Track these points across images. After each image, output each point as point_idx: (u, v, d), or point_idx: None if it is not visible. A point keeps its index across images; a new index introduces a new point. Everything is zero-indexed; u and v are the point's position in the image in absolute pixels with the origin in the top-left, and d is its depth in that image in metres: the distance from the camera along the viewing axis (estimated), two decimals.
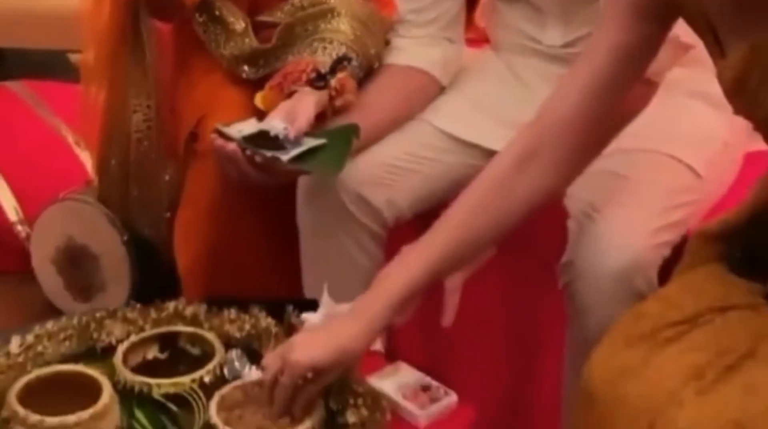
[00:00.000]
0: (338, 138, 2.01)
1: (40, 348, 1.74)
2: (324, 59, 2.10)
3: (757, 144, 2.19)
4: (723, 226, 1.69)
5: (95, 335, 1.79)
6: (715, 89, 1.59)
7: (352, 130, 2.02)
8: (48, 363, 1.70)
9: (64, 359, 1.73)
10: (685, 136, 2.02)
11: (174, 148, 2.29)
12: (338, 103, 2.07)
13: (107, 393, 1.56)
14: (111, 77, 2.31)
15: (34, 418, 1.51)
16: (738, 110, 1.59)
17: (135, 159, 2.34)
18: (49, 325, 1.78)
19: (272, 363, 1.61)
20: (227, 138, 2.01)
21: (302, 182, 2.10)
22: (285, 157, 1.96)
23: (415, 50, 2.17)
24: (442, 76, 2.19)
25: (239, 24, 2.23)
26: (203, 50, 2.27)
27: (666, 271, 1.85)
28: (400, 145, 2.12)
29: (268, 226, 2.24)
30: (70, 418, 1.51)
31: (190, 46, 2.30)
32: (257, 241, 2.23)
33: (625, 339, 1.59)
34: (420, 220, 2.12)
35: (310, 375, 1.57)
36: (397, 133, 2.13)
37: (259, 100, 2.10)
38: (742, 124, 2.11)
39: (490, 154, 2.04)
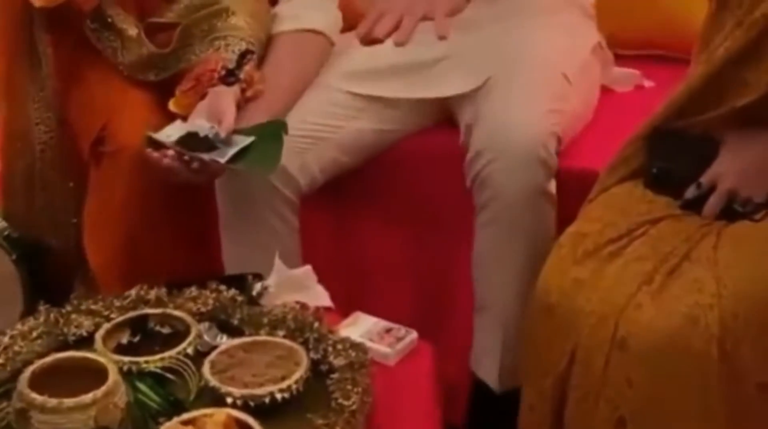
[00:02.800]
0: (267, 135, 2.09)
1: (16, 348, 1.79)
2: (229, 56, 2.20)
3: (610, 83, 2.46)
4: (633, 149, 1.89)
5: (65, 330, 1.84)
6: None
7: (281, 125, 2.11)
8: (28, 362, 1.74)
9: (41, 356, 1.77)
10: (561, 49, 2.27)
11: (76, 156, 2.33)
12: (250, 94, 2.19)
13: (113, 371, 1.63)
14: (10, 91, 2.34)
15: (52, 402, 1.57)
16: None
17: (39, 169, 2.38)
18: (19, 325, 1.83)
19: None
20: (159, 145, 2.08)
21: None
22: (222, 158, 2.04)
23: (303, 14, 2.32)
24: (332, 34, 2.34)
25: (132, 30, 2.28)
26: (95, 57, 2.31)
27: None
28: (308, 113, 2.25)
29: (182, 214, 2.31)
30: (87, 397, 1.57)
31: (80, 55, 2.34)
32: (172, 231, 2.30)
33: (571, 257, 1.77)
34: (331, 189, 2.27)
35: None
36: (303, 100, 2.27)
37: (173, 104, 2.18)
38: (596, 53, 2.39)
39: (395, 105, 2.24)
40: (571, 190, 2.08)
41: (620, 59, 2.51)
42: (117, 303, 1.89)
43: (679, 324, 1.64)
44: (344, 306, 2.01)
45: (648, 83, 2.49)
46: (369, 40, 2.21)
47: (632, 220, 1.79)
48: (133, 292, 1.90)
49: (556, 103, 2.15)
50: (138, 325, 1.85)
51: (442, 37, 1.95)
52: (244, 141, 2.08)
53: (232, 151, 2.05)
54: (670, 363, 1.64)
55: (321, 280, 2.22)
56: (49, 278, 2.51)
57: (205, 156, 2.05)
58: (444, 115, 2.27)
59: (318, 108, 2.27)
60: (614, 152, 1.96)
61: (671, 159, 1.85)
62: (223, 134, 2.06)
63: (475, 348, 2.21)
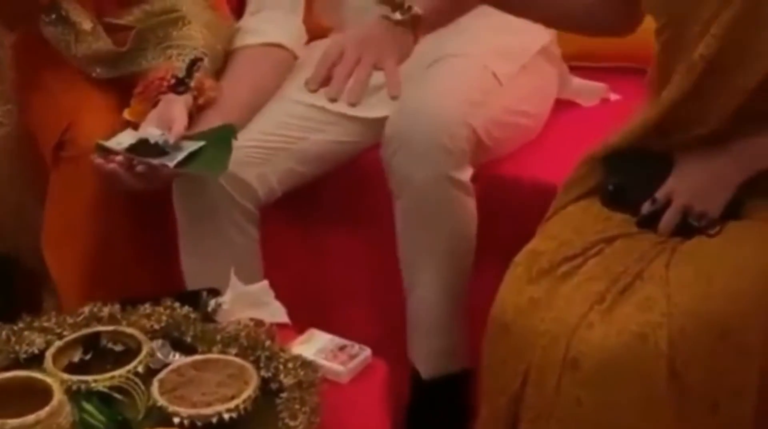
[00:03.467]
0: (217, 139, 2.12)
1: None
2: (179, 65, 2.21)
3: (573, 96, 2.45)
4: (589, 167, 1.88)
5: (17, 347, 1.83)
6: None
7: (230, 130, 2.13)
8: None
9: None
10: (501, 48, 2.27)
11: (39, 159, 2.32)
12: (201, 101, 2.20)
13: (58, 390, 1.62)
14: None
15: None
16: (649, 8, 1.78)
17: None
18: None
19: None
20: (109, 152, 2.08)
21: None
22: (171, 162, 2.06)
23: (267, 28, 2.32)
24: (295, 48, 2.34)
25: (87, 24, 2.27)
26: (55, 59, 2.31)
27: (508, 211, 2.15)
28: (265, 124, 2.26)
29: (146, 226, 2.31)
30: (30, 418, 1.56)
31: (40, 57, 2.34)
32: (136, 242, 2.29)
33: (527, 276, 1.76)
34: (290, 200, 2.26)
35: None
36: (262, 112, 2.28)
37: (128, 113, 2.19)
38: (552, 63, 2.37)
39: (354, 121, 2.24)
40: (532, 205, 2.07)
41: (586, 72, 2.50)
42: (70, 320, 1.88)
43: (628, 342, 1.63)
44: (304, 321, 2.00)
45: (614, 96, 2.48)
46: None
47: (587, 239, 1.78)
48: (86, 309, 1.89)
49: (476, 96, 2.17)
50: (90, 342, 1.84)
51: (394, 97, 1.90)
52: (193, 146, 2.10)
53: (180, 155, 2.08)
54: (619, 382, 1.63)
55: (281, 295, 2.23)
56: (22, 288, 2.50)
57: (154, 160, 2.06)
58: None
59: (276, 119, 2.27)
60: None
61: (627, 176, 1.84)
62: (172, 140, 2.09)
63: (407, 333, 2.24)
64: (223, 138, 2.12)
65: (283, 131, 2.26)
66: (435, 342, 2.18)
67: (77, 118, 2.23)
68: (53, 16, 2.29)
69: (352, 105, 1.88)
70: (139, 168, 2.07)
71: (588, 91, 2.46)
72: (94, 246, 2.24)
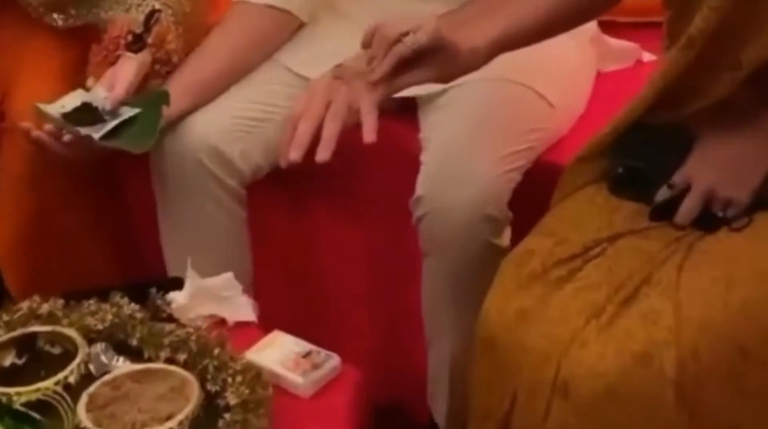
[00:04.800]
0: (149, 107, 1.89)
1: None
2: (138, 17, 1.97)
3: (609, 64, 2.16)
4: (597, 145, 1.62)
5: None
6: None
7: (161, 96, 1.90)
8: None
9: None
10: (538, 63, 1.92)
11: None
12: (160, 55, 1.96)
13: None
14: None
15: None
16: None
17: None
18: None
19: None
20: (44, 117, 1.88)
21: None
22: (97, 134, 1.85)
23: None
24: (301, 12, 2.04)
25: None
26: (6, 11, 2.11)
27: (519, 198, 1.82)
28: (252, 92, 1.99)
29: (99, 204, 2.12)
30: None
31: None
32: (86, 222, 2.10)
33: (516, 280, 1.51)
34: (280, 174, 1.99)
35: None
36: (249, 78, 2.01)
37: (91, 80, 1.96)
38: (590, 46, 2.07)
39: None
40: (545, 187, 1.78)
41: (616, 29, 2.21)
42: (5, 317, 1.67)
43: (627, 365, 1.38)
44: (286, 319, 1.77)
45: (648, 57, 2.18)
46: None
47: (588, 237, 1.52)
48: (24, 304, 1.68)
49: (524, 139, 1.86)
50: (25, 344, 1.63)
51: (367, 142, 1.61)
52: (127, 113, 1.89)
53: (108, 126, 1.87)
54: (617, 413, 1.38)
55: (265, 284, 2.01)
56: None
57: (82, 130, 1.86)
58: (406, 103, 1.97)
59: (262, 86, 2.00)
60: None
61: (640, 156, 1.57)
62: (109, 106, 1.88)
63: (429, 383, 1.99)
64: (154, 105, 1.89)
65: (270, 100, 1.99)
66: (457, 400, 1.87)
67: (13, 86, 2.04)
68: None
69: (320, 161, 1.62)
70: (66, 137, 1.87)
71: (620, 52, 2.17)
72: (36, 224, 2.05)
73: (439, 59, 1.58)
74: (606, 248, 1.51)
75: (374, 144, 1.74)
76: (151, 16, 1.95)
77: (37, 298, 1.69)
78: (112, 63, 1.93)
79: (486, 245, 1.79)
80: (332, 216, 2.11)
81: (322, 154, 1.61)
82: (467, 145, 1.81)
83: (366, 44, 1.61)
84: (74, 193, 2.06)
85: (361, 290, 2.11)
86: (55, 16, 2.09)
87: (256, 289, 2.02)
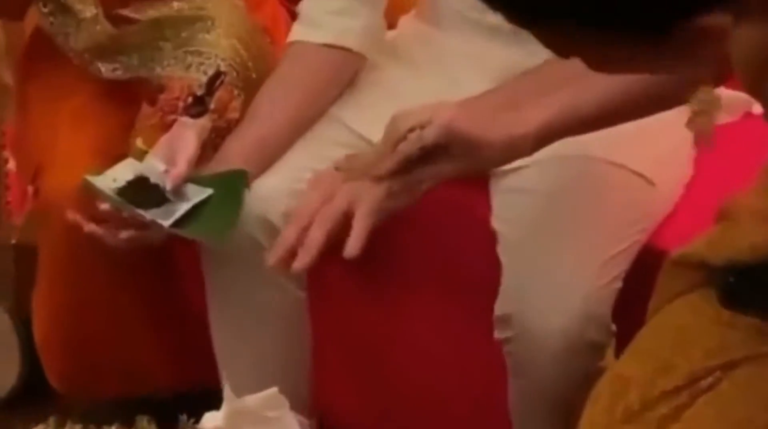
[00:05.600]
0: (224, 188, 1.69)
1: None
2: (199, 77, 1.80)
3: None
4: (698, 254, 1.33)
5: None
6: None
7: (239, 178, 1.69)
8: None
9: None
10: (627, 134, 1.64)
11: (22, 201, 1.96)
12: (219, 124, 1.76)
13: None
14: None
15: None
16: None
17: None
18: None
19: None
20: (93, 192, 1.67)
21: None
22: (167, 221, 1.66)
23: (332, 22, 1.79)
24: (361, 47, 1.82)
25: (89, 10, 1.87)
26: (50, 66, 1.94)
27: (621, 305, 1.55)
28: (309, 156, 1.77)
29: (146, 288, 1.93)
30: None
31: (37, 62, 1.98)
32: (132, 309, 1.92)
33: (608, 417, 1.25)
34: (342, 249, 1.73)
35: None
36: (305, 138, 1.79)
37: (140, 142, 1.77)
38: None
39: None
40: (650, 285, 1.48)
41: None
42: None
43: None
44: (350, 413, 1.62)
45: (759, 109, 1.90)
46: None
47: (697, 363, 1.25)
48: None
49: (626, 234, 1.60)
50: None
51: (349, 256, 1.43)
52: (197, 195, 1.69)
53: (179, 211, 1.67)
54: None
55: (324, 376, 1.81)
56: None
57: (145, 213, 1.66)
58: None
59: (318, 149, 1.77)
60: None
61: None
62: (170, 184, 1.68)
63: None
64: (230, 187, 1.69)
65: (323, 165, 1.73)
66: None
67: (49, 157, 1.85)
68: (50, 6, 1.91)
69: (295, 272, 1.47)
70: (124, 235, 1.68)
71: (724, 105, 1.88)
72: (68, 314, 1.89)
73: (459, 153, 1.43)
74: (720, 379, 1.24)
75: (445, 215, 1.51)
76: (216, 78, 1.77)
77: (52, 421, 1.48)
78: (167, 127, 1.74)
79: (587, 372, 1.53)
80: (403, 296, 1.86)
81: (298, 264, 1.48)
82: (557, 248, 1.55)
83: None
84: (119, 277, 1.89)
85: (437, 384, 1.86)
86: (100, 65, 1.88)
87: (315, 383, 1.79)
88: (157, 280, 1.92)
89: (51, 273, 1.88)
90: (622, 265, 1.58)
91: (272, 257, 1.49)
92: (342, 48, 1.80)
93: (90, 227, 1.67)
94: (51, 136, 1.89)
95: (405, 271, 1.84)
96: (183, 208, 1.66)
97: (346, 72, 1.83)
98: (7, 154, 2.06)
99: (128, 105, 1.87)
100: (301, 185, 1.71)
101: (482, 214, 1.67)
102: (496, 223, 1.64)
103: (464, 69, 1.76)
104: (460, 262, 1.78)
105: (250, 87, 1.81)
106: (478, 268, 1.73)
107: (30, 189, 1.91)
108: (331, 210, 1.48)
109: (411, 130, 1.39)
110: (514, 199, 1.61)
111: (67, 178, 1.79)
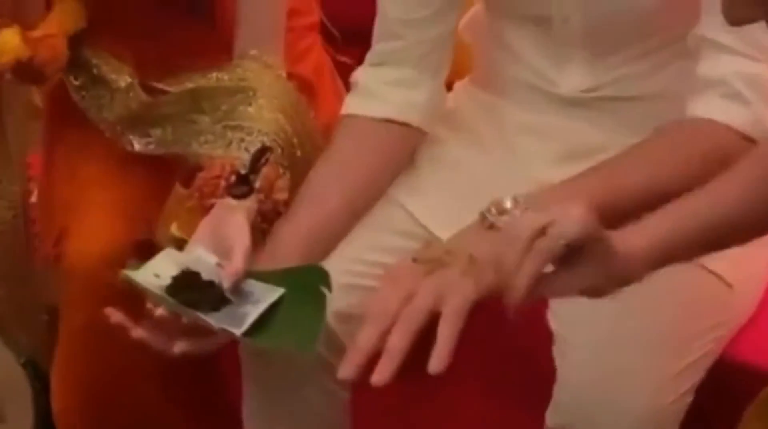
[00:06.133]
0: (299, 287, 1.41)
1: None
2: (242, 155, 1.58)
3: None
4: None
5: None
6: None
7: (317, 275, 1.41)
8: None
9: None
10: None
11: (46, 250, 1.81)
12: (267, 206, 1.54)
13: None
14: None
15: None
16: None
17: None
18: None
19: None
20: (140, 291, 1.40)
21: None
22: (238, 329, 1.36)
23: (390, 94, 1.60)
24: (422, 122, 1.62)
25: (123, 80, 1.73)
26: (77, 130, 1.78)
27: (691, 421, 1.42)
28: (364, 246, 1.56)
29: (177, 379, 1.77)
30: None
31: (61, 124, 1.82)
32: (156, 398, 1.76)
33: None
34: None
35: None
36: (361, 225, 1.59)
37: (175, 228, 1.55)
38: None
39: None
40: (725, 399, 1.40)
41: None
42: None
43: None
44: None
45: None
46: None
47: None
48: None
49: (699, 342, 1.44)
50: None
51: (436, 371, 1.20)
52: (268, 295, 1.41)
53: (250, 316, 1.38)
54: None
55: None
56: None
57: (212, 321, 1.36)
58: None
59: (374, 238, 1.57)
60: None
61: None
62: (229, 280, 1.39)
63: None
64: (307, 287, 1.41)
65: (384, 257, 1.53)
66: None
67: (73, 222, 1.70)
68: (81, 78, 1.76)
69: (377, 384, 1.21)
70: (179, 347, 1.39)
71: None
72: (91, 396, 1.73)
73: (592, 262, 1.18)
74: None
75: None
76: (261, 155, 1.55)
77: None
78: (205, 211, 1.52)
79: None
80: (450, 397, 1.71)
81: (378, 376, 1.21)
82: (620, 356, 1.39)
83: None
84: (146, 355, 1.56)
85: None
86: (132, 137, 1.74)
87: None
88: (189, 363, 1.69)
89: (73, 343, 1.72)
90: (694, 378, 1.42)
91: (347, 368, 1.22)
92: (403, 124, 1.60)
93: (138, 333, 1.39)
94: (76, 199, 1.74)
95: (453, 369, 1.68)
96: (254, 311, 1.38)
97: (406, 149, 1.62)
98: (32, 185, 1.93)
99: (159, 168, 1.71)
100: (358, 280, 1.49)
101: (539, 309, 1.54)
102: (553, 322, 1.49)
103: (528, 143, 1.60)
104: (511, 361, 1.65)
105: (296, 166, 1.60)
106: (531, 369, 1.57)
107: (52, 252, 1.75)
108: (415, 310, 1.24)
109: (540, 230, 1.19)
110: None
111: (92, 245, 1.65)
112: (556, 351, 1.49)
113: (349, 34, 1.96)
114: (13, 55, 1.64)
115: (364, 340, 1.24)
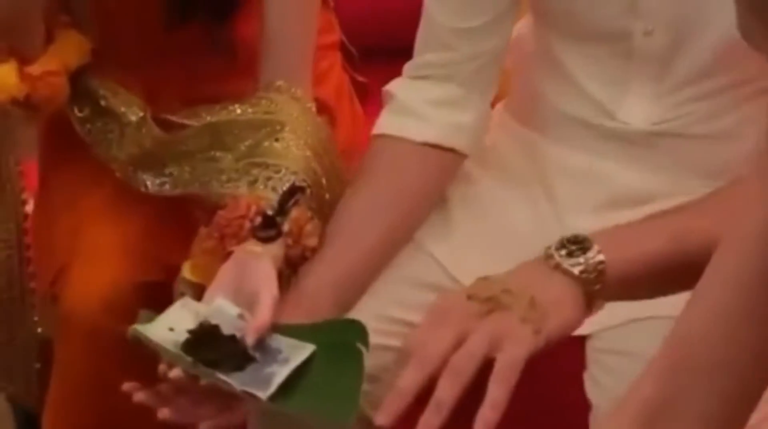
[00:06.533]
0: (331, 345, 1.26)
1: None
2: (268, 195, 1.42)
3: None
4: None
5: None
6: None
7: (353, 331, 1.26)
8: None
9: None
10: None
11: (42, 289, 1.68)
12: (295, 252, 1.38)
13: None
14: None
15: None
16: None
17: None
18: None
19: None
20: (153, 349, 1.26)
21: None
22: (264, 392, 1.21)
23: (434, 115, 1.43)
24: (471, 149, 1.46)
25: (134, 113, 1.58)
26: (78, 153, 1.63)
27: None
28: (392, 296, 1.40)
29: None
30: None
31: (60, 144, 1.68)
32: None
33: None
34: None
35: None
36: (388, 273, 1.43)
37: (188, 270, 1.41)
38: None
39: None
40: None
41: None
42: None
43: None
44: None
45: None
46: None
47: None
48: None
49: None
50: None
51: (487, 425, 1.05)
52: (297, 353, 1.25)
53: (278, 377, 1.22)
54: None
55: None
56: None
57: (234, 383, 1.21)
58: None
59: (403, 295, 1.40)
60: None
61: None
62: (252, 338, 1.25)
63: None
64: (343, 345, 1.25)
65: (410, 315, 1.36)
66: None
67: (72, 260, 1.55)
68: (87, 110, 1.61)
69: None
70: (203, 383, 1.26)
71: None
72: None
73: None
74: None
75: (534, 371, 1.23)
76: (291, 195, 1.40)
77: None
78: (225, 254, 1.37)
79: None
80: None
81: (426, 426, 1.08)
82: None
83: None
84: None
85: None
86: (145, 177, 1.59)
87: None
88: None
89: (67, 392, 1.58)
90: None
91: (386, 414, 1.09)
92: (449, 149, 1.44)
93: (164, 413, 1.24)
94: (76, 232, 1.59)
95: None
96: (282, 371, 1.22)
97: (447, 178, 1.46)
98: (26, 195, 1.77)
99: (171, 198, 1.58)
100: (383, 340, 1.33)
101: (575, 370, 1.41)
102: (589, 388, 1.38)
103: (570, 187, 1.45)
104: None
105: (323, 210, 1.44)
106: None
107: (49, 291, 1.61)
108: (467, 356, 1.11)
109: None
110: (611, 361, 1.34)
111: (93, 289, 1.51)
112: (593, 420, 1.36)
113: (366, 53, 1.84)
114: (8, 94, 1.51)
115: (407, 384, 1.11)
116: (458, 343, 1.12)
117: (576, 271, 1.18)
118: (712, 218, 1.19)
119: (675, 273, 1.18)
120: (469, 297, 1.17)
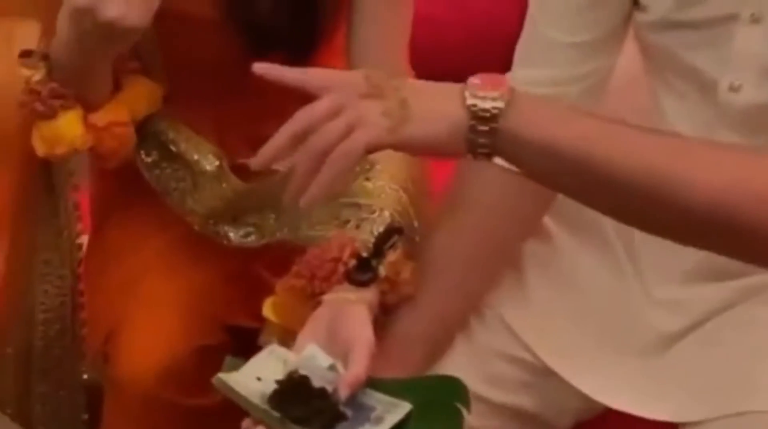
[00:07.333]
0: (429, 403, 1.18)
1: None
2: (363, 237, 1.35)
3: None
4: None
5: None
6: None
7: (451, 389, 1.20)
8: None
9: None
10: None
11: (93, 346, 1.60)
12: (391, 299, 1.32)
13: None
14: (12, 232, 1.62)
15: None
16: None
17: (40, 346, 1.65)
18: None
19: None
20: (239, 401, 1.19)
21: None
22: None
23: None
24: None
25: (210, 163, 1.50)
26: (134, 204, 1.57)
27: None
28: (462, 366, 1.33)
29: None
30: None
31: (115, 194, 1.61)
32: None
33: None
34: None
35: None
36: (461, 338, 1.36)
37: (269, 308, 1.35)
38: None
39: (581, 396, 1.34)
40: None
41: None
42: None
43: None
44: None
45: None
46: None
47: None
48: None
49: None
50: None
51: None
52: (393, 411, 1.18)
53: None
54: None
55: None
56: None
57: None
58: None
59: (475, 365, 1.34)
60: None
61: None
62: (344, 394, 1.18)
63: None
64: (442, 404, 1.19)
65: (485, 390, 1.34)
66: None
67: (125, 324, 1.47)
68: (155, 154, 1.53)
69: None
70: None
71: None
72: None
73: None
74: None
75: None
76: (389, 237, 1.33)
77: None
78: (314, 297, 1.30)
79: None
80: None
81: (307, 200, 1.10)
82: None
83: None
84: None
85: None
86: (227, 229, 1.51)
87: None
88: None
89: None
90: None
91: (258, 159, 1.13)
92: None
93: None
94: (128, 288, 1.52)
95: None
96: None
97: (545, 209, 1.38)
98: (81, 226, 1.70)
99: (231, 249, 1.52)
100: None
101: None
102: None
103: (657, 253, 1.36)
104: None
105: (413, 252, 1.36)
106: None
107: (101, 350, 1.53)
108: (322, 135, 1.11)
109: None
110: None
111: (146, 358, 1.44)
112: None
113: None
114: (71, 146, 1.43)
115: (279, 135, 1.13)
116: (332, 115, 1.12)
117: (471, 101, 1.08)
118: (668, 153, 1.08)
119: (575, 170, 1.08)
120: (366, 77, 1.15)
